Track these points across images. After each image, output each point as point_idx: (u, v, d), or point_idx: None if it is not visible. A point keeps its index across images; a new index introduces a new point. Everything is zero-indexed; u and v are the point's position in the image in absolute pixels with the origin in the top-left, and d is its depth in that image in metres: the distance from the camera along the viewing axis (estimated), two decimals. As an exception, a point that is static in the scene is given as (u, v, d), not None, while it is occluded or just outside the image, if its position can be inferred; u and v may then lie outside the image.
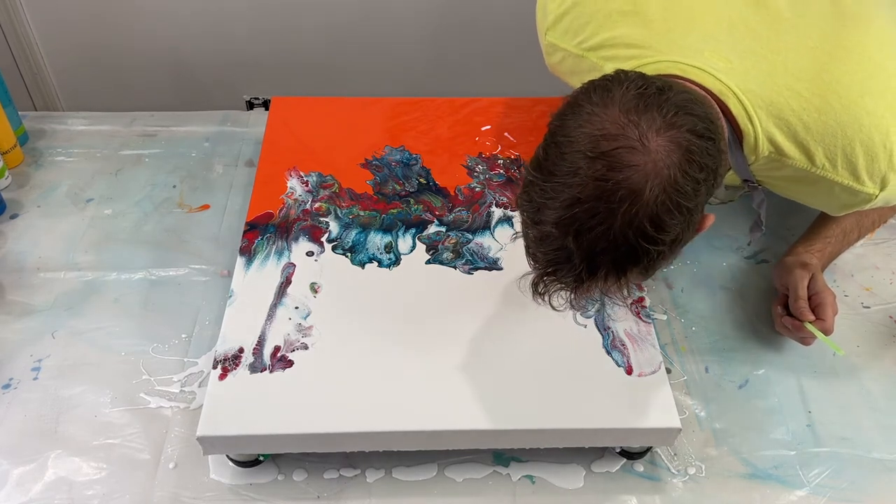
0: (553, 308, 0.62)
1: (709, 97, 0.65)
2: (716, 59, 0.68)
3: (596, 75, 0.61)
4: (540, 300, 0.61)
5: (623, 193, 0.53)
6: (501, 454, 0.74)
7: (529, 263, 0.61)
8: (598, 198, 0.54)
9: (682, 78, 0.66)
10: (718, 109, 0.66)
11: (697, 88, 0.65)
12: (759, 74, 0.67)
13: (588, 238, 0.55)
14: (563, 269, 0.57)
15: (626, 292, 0.61)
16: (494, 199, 0.89)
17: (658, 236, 0.54)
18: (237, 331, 0.74)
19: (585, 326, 0.75)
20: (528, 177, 0.59)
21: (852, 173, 0.68)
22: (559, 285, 0.60)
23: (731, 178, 0.74)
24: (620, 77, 0.59)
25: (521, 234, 0.62)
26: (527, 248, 0.61)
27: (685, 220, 0.56)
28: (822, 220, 0.86)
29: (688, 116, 0.56)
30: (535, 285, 0.61)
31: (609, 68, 0.68)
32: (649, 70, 0.66)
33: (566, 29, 0.78)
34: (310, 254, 0.82)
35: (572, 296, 0.61)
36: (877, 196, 0.69)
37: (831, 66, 0.67)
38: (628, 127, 0.54)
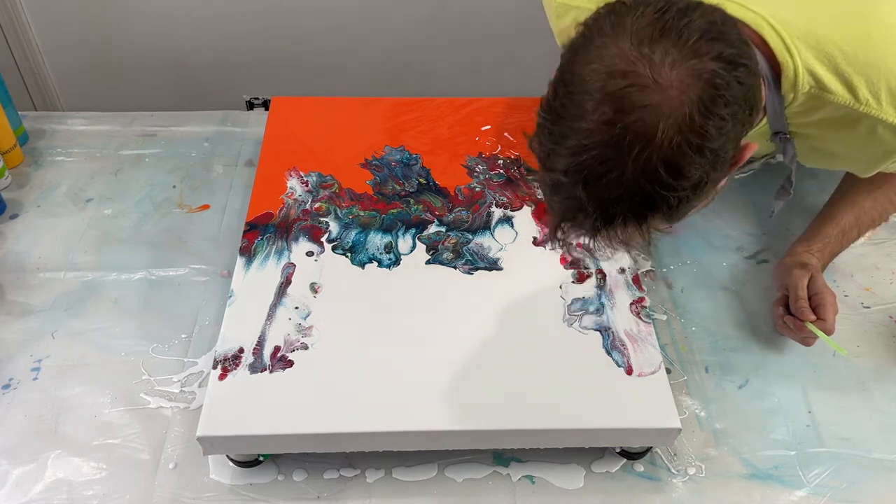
0: (573, 256, 0.58)
1: (741, 25, 0.59)
2: None
3: None
4: (559, 247, 0.58)
5: (632, 138, 0.49)
6: (501, 454, 0.74)
7: (547, 210, 0.58)
8: (607, 144, 0.50)
9: None
10: (756, 37, 0.61)
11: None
12: (794, 3, 0.63)
13: (598, 187, 0.51)
14: (579, 217, 0.54)
15: (648, 239, 0.55)
16: (494, 199, 0.89)
17: (675, 182, 0.50)
18: (237, 331, 0.74)
19: (586, 334, 0.75)
20: (539, 118, 0.55)
21: None
22: (578, 231, 0.56)
23: (755, 139, 0.66)
24: (636, 1, 0.53)
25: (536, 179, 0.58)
26: (543, 194, 0.58)
27: (708, 162, 0.51)
28: (820, 220, 0.86)
29: (713, 43, 0.51)
30: (552, 232, 0.57)
31: None
32: None
33: None
34: (310, 254, 0.82)
35: (592, 243, 0.57)
36: None
37: None
38: (639, 62, 0.50)
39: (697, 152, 0.50)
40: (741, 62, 0.52)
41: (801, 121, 0.69)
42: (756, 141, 0.61)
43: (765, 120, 0.68)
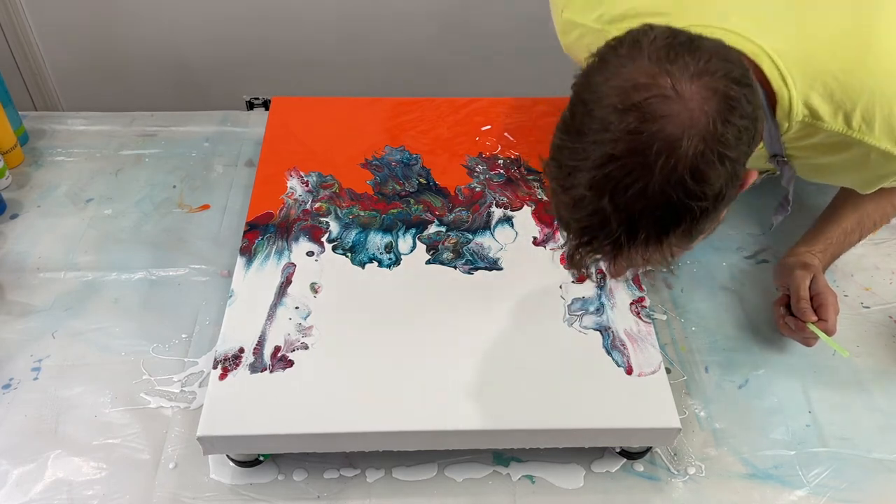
0: (593, 279, 0.58)
1: (741, 52, 0.62)
2: (745, 21, 0.64)
3: None
4: (577, 272, 0.58)
5: (659, 146, 0.50)
6: (501, 454, 0.74)
7: (562, 235, 0.58)
8: (633, 153, 0.50)
9: None
10: (754, 65, 0.63)
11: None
12: (791, 35, 0.64)
13: (625, 198, 0.51)
14: (600, 236, 0.54)
15: (669, 258, 0.56)
16: (494, 199, 0.89)
17: (700, 190, 0.51)
18: (237, 331, 0.74)
19: (586, 334, 0.75)
20: (556, 140, 0.56)
21: (890, 137, 0.65)
22: (596, 256, 0.56)
23: (755, 159, 0.70)
24: (647, 30, 0.55)
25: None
26: (559, 217, 0.58)
27: (728, 171, 0.52)
28: (823, 222, 0.86)
29: (722, 62, 0.53)
30: (570, 257, 0.57)
31: None
32: None
33: (585, 3, 0.75)
34: (310, 254, 0.82)
35: (612, 266, 0.57)
36: None
37: (866, 24, 0.64)
38: (660, 76, 0.51)
39: (720, 160, 0.51)
40: (746, 83, 0.54)
41: (796, 144, 0.70)
42: (756, 160, 0.62)
43: (761, 143, 0.69)
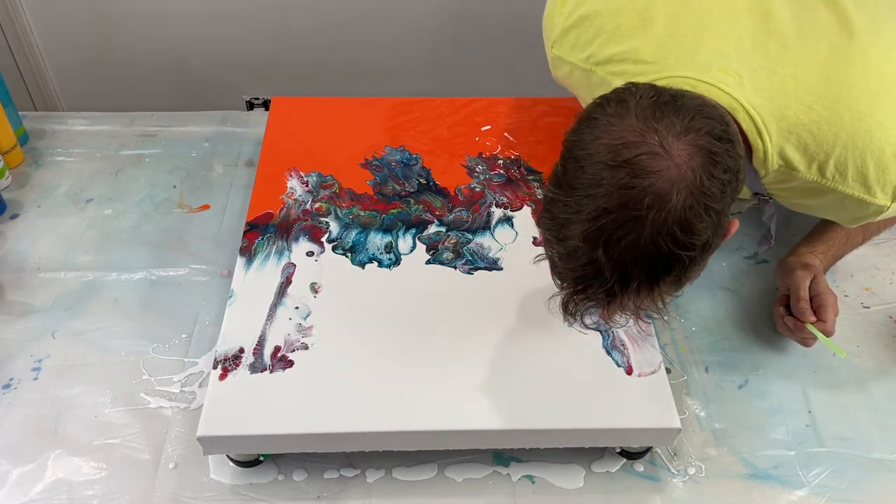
0: (586, 327, 0.61)
1: (721, 107, 0.65)
2: (724, 74, 0.67)
3: (605, 90, 0.61)
4: (571, 320, 0.61)
5: (650, 200, 0.52)
6: (501, 454, 0.74)
7: (556, 283, 0.60)
8: (625, 206, 0.53)
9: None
10: (731, 117, 0.66)
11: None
12: (769, 89, 0.67)
13: (618, 249, 0.54)
14: (594, 285, 0.56)
15: (660, 304, 0.59)
16: (494, 199, 0.89)
17: (689, 241, 0.54)
18: (237, 331, 0.74)
19: (586, 334, 0.75)
20: (548, 194, 0.58)
21: (863, 185, 0.68)
22: (590, 303, 0.58)
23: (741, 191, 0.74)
24: (632, 89, 0.58)
25: (543, 256, 0.61)
26: (552, 267, 0.60)
27: (714, 222, 0.55)
28: (826, 222, 0.86)
29: (705, 120, 0.56)
30: (565, 305, 0.60)
31: (618, 83, 0.68)
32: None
33: (573, 43, 0.78)
34: (310, 254, 0.82)
35: (605, 313, 0.60)
36: (889, 207, 0.68)
37: (840, 78, 0.67)
38: (647, 133, 0.54)
39: (706, 212, 0.54)
40: (728, 138, 0.57)
41: (775, 187, 0.74)
42: (741, 195, 0.66)
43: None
